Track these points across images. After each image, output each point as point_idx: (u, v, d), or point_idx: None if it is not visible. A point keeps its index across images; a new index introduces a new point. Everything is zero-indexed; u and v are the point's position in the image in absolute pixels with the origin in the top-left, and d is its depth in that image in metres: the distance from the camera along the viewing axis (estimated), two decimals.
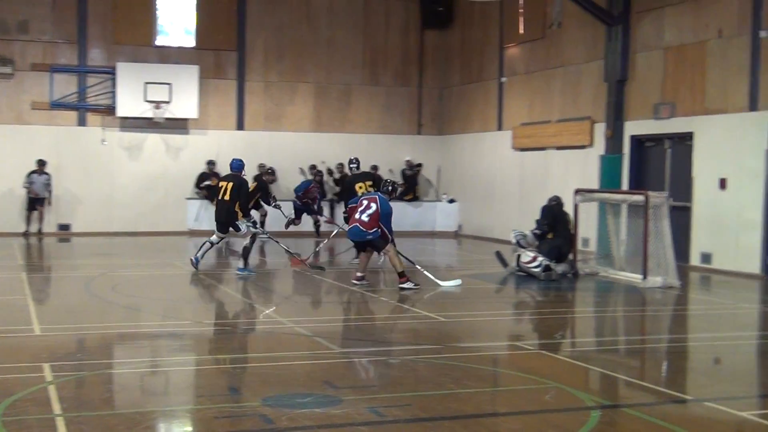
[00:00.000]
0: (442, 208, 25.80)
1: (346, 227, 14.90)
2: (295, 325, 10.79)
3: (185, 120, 24.30)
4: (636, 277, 14.67)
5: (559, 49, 21.33)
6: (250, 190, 16.18)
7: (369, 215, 13.77)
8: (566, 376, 8.25)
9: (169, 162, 24.41)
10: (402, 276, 13.77)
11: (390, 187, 14.30)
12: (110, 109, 23.81)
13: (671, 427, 6.45)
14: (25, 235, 22.32)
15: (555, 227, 15.69)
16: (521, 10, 22.29)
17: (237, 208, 15.08)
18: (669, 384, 8.12)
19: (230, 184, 15.13)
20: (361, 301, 13.05)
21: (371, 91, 26.24)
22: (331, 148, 25.29)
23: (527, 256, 15.20)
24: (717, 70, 16.85)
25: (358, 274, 14.20)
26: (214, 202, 15.94)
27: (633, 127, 18.89)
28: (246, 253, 15.16)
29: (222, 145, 24.63)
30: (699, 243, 17.07)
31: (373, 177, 17.09)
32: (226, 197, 15.08)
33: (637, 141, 18.90)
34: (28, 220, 22.74)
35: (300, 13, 25.52)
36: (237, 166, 15.46)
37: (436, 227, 25.63)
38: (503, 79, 23.70)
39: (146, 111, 23.59)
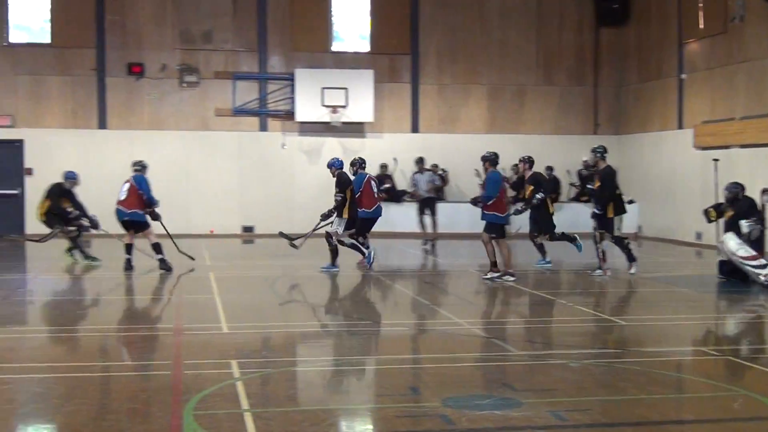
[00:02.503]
0: None
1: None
2: (473, 327, 10.80)
3: (361, 124, 24.72)
4: None
5: (742, 43, 20.52)
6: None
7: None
8: (756, 384, 7.93)
9: (347, 165, 24.78)
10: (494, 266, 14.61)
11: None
12: (289, 114, 24.49)
13: None
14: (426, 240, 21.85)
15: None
16: (700, 5, 21.57)
17: None
18: None
19: None
20: (538, 303, 12.94)
21: (545, 91, 25.98)
22: (505, 150, 25.12)
23: (747, 251, 14.07)
24: None
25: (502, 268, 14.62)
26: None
27: None
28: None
29: (397, 148, 24.91)
30: None
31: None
32: None
33: None
34: (422, 224, 22.00)
35: (472, 15, 25.53)
36: None
37: None
38: (683, 76, 23.00)
39: (324, 115, 24.14)
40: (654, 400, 7.20)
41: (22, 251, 17.98)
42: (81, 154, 23.46)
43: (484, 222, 14.65)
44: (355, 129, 24.74)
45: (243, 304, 12.81)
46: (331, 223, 16.35)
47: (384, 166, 24.40)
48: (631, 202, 24.91)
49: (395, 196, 24.21)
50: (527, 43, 25.76)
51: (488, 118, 25.71)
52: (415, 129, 25.37)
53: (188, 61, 24.31)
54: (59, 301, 13.05)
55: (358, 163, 16.78)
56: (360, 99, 24.21)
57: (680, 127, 23.12)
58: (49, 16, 23.93)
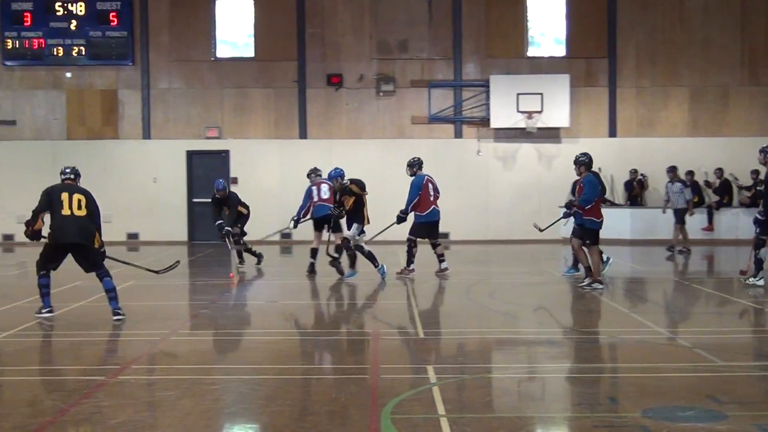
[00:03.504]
0: None
1: None
2: (675, 336, 10.49)
3: (557, 129, 24.48)
4: None
5: None
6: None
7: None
8: None
9: (542, 171, 24.68)
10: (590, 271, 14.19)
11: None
12: (484, 121, 24.54)
13: None
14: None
15: None
16: None
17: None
18: None
19: None
20: (743, 311, 12.43)
21: (751, 92, 24.95)
22: (708, 153, 24.34)
23: None
24: None
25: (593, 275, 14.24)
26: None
27: None
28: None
29: (594, 153, 24.39)
30: None
31: None
32: None
33: None
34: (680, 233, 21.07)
35: (673, 15, 24.84)
36: None
37: None
38: None
39: (519, 121, 24.06)
40: None
41: (227, 258, 18.74)
42: (282, 163, 24.32)
43: (577, 227, 14.38)
44: (550, 134, 24.53)
45: (439, 310, 12.95)
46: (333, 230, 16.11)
47: None
48: None
49: None
50: (731, 42, 24.82)
51: (689, 121, 24.93)
52: (612, 133, 24.89)
53: (385, 71, 24.78)
54: (261, 306, 13.56)
55: (417, 164, 16.20)
56: (556, 104, 23.99)
57: None
58: (252, 31, 24.95)
